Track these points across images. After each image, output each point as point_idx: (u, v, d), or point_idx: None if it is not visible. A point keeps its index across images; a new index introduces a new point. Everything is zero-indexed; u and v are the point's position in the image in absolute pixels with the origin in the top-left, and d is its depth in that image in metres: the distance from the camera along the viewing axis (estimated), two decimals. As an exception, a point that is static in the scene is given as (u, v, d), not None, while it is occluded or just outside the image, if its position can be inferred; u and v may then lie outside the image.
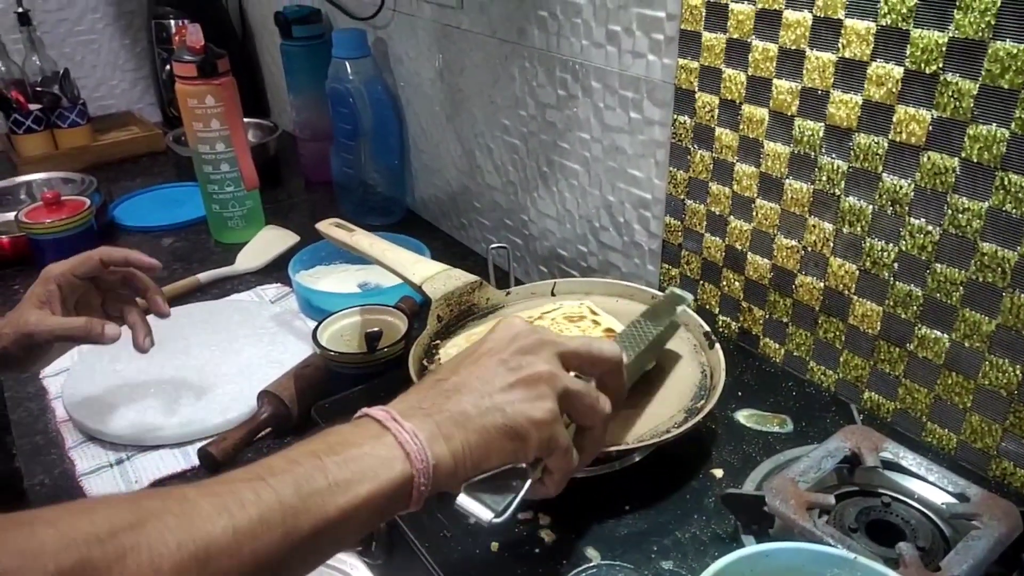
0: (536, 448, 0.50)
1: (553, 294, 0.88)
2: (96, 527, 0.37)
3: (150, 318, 0.83)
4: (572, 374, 0.54)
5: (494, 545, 0.62)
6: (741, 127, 0.78)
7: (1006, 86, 0.58)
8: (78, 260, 0.76)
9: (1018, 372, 0.63)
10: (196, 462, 0.81)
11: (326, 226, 0.92)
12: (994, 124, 0.59)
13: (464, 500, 0.49)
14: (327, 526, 0.43)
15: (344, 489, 0.43)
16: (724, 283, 0.86)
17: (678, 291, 0.78)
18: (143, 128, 1.75)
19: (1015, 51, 0.56)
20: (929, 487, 0.63)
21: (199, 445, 0.81)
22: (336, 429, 0.47)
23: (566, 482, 0.54)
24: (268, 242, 1.23)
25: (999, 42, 0.57)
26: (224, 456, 0.79)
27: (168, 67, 1.58)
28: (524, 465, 0.51)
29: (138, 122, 1.79)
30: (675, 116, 0.83)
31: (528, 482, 0.51)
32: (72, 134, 1.61)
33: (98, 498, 0.41)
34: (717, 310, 0.88)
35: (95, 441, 0.86)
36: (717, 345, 0.75)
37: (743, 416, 0.76)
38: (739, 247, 0.83)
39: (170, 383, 0.91)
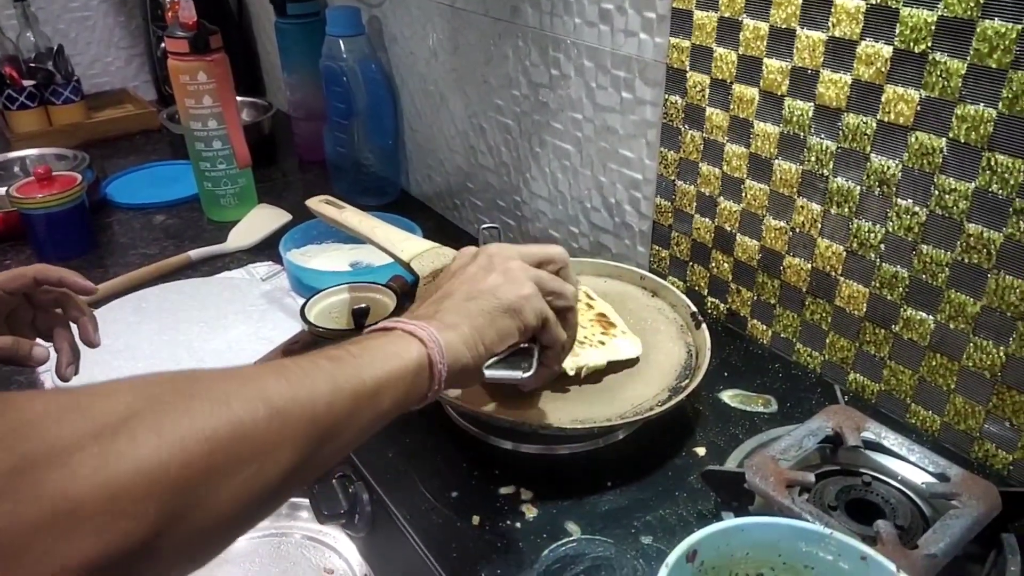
0: (532, 319, 0.56)
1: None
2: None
3: (133, 300, 0.81)
4: None
5: (475, 519, 0.62)
6: (732, 107, 0.77)
7: (994, 65, 0.57)
8: (9, 275, 0.72)
9: (1002, 354, 0.63)
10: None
11: (316, 203, 0.91)
12: (982, 104, 0.59)
13: (492, 372, 0.55)
14: (365, 391, 0.45)
15: (371, 365, 0.46)
16: (713, 264, 0.86)
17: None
18: (137, 106, 1.74)
19: (1003, 30, 0.56)
20: (910, 467, 0.63)
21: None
22: (347, 340, 0.51)
23: (561, 360, 0.61)
24: (260, 220, 1.22)
25: (987, 21, 0.57)
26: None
27: (162, 45, 1.57)
28: (525, 345, 0.58)
29: (133, 100, 1.78)
30: (666, 96, 0.83)
31: (535, 349, 0.58)
32: (66, 111, 1.60)
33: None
34: (706, 291, 0.88)
35: (83, 415, 0.86)
36: (704, 326, 0.75)
37: (728, 396, 0.76)
38: (728, 228, 0.82)
39: (159, 358, 0.92)
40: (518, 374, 0.56)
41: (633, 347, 0.74)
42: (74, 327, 0.76)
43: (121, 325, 0.80)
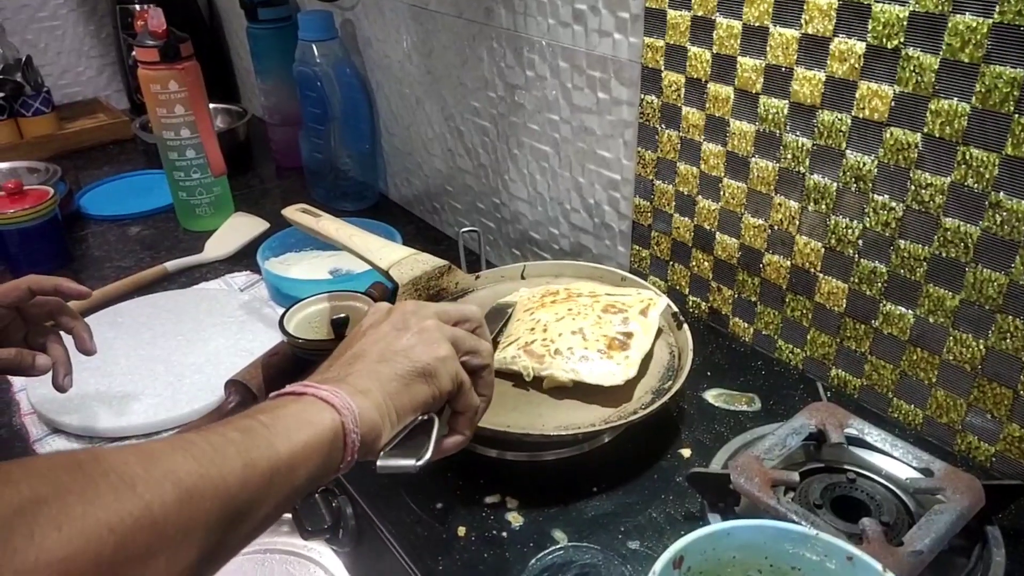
0: (448, 383, 0.53)
1: (523, 277, 0.88)
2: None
3: (109, 315, 0.80)
4: None
5: (461, 529, 0.62)
6: (707, 106, 0.77)
7: (966, 60, 0.57)
8: (4, 288, 0.73)
9: (981, 347, 0.64)
10: (163, 453, 0.80)
11: (292, 212, 0.90)
12: (955, 98, 0.59)
13: (383, 462, 0.50)
14: (280, 465, 0.43)
15: (285, 435, 0.44)
16: (693, 263, 0.86)
17: (503, 302, 0.81)
18: (110, 115, 1.71)
19: (974, 24, 0.56)
20: (894, 462, 0.63)
21: (166, 436, 0.80)
22: (255, 406, 0.48)
23: (474, 425, 0.57)
24: (237, 229, 1.21)
25: (959, 15, 0.57)
26: (191, 446, 0.78)
27: (133, 53, 1.55)
28: (426, 416, 0.53)
29: (105, 109, 1.76)
30: (642, 96, 0.83)
31: (436, 427, 0.52)
32: (37, 122, 1.57)
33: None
34: (687, 290, 0.88)
35: (61, 434, 0.85)
36: (685, 326, 0.75)
37: (712, 396, 0.76)
38: (707, 227, 0.82)
39: (136, 374, 0.90)
40: (410, 462, 0.50)
41: (614, 375, 0.68)
42: (67, 338, 0.77)
43: (98, 341, 0.79)
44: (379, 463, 0.50)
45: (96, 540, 0.33)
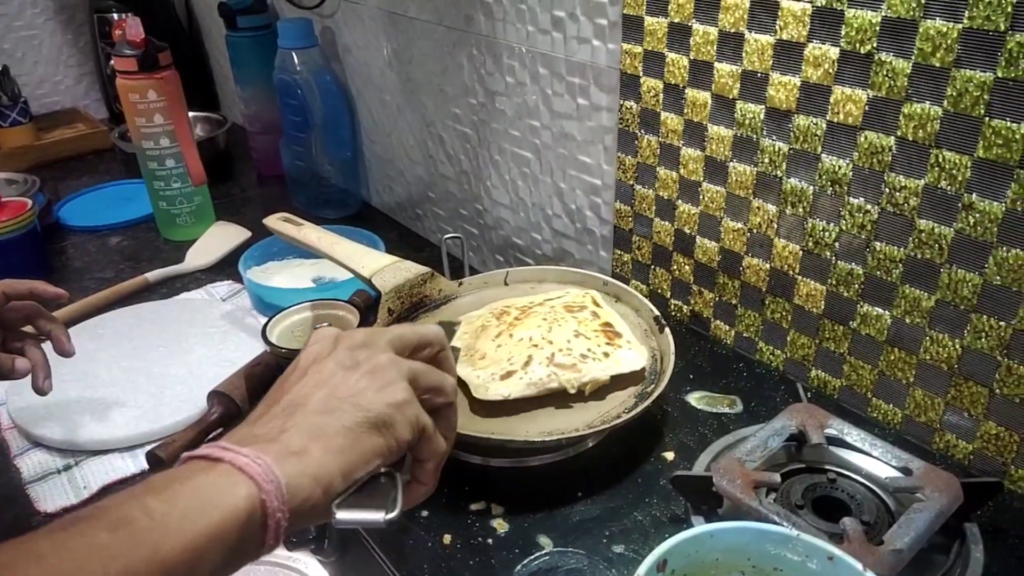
0: (407, 432, 0.45)
1: (506, 283, 0.88)
2: None
3: (89, 326, 0.80)
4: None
5: (447, 537, 0.62)
6: (685, 111, 0.78)
7: (937, 64, 0.58)
8: None
9: (957, 346, 0.65)
10: (146, 466, 0.80)
11: (274, 221, 0.90)
12: (928, 102, 0.60)
13: (344, 515, 0.42)
14: (164, 571, 0.35)
15: (178, 527, 0.36)
16: (675, 267, 0.86)
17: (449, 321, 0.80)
18: (89, 125, 1.70)
19: (944, 29, 0.57)
20: (874, 462, 0.64)
21: (148, 448, 0.79)
22: (155, 476, 0.40)
23: (439, 472, 0.50)
24: (218, 238, 1.20)
25: (929, 21, 0.58)
26: (173, 459, 0.77)
27: (112, 62, 1.54)
28: (386, 469, 0.45)
29: (84, 119, 1.74)
30: (622, 101, 0.83)
31: (399, 476, 0.45)
32: (14, 133, 1.56)
33: None
34: (669, 294, 0.89)
35: (41, 447, 0.84)
36: (667, 330, 0.76)
37: (695, 398, 0.77)
38: (688, 231, 0.83)
39: (118, 385, 0.89)
40: (380, 516, 0.43)
41: (637, 359, 0.72)
42: (47, 344, 0.76)
43: (79, 353, 0.78)
44: (337, 515, 0.42)
45: None
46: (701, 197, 0.80)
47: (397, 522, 0.44)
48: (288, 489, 0.39)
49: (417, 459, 0.49)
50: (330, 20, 1.26)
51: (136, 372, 0.92)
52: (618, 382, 0.70)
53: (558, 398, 0.69)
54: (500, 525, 0.63)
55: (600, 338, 0.73)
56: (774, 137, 0.71)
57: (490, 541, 0.61)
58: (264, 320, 0.87)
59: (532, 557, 0.59)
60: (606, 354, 0.71)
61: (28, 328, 0.77)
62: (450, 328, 0.77)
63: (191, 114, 1.23)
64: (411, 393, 0.47)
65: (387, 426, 0.44)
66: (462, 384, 0.68)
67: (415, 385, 0.47)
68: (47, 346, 0.77)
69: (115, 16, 1.60)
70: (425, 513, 0.64)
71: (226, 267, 1.16)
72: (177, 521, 0.36)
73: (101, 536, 0.34)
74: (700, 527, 0.49)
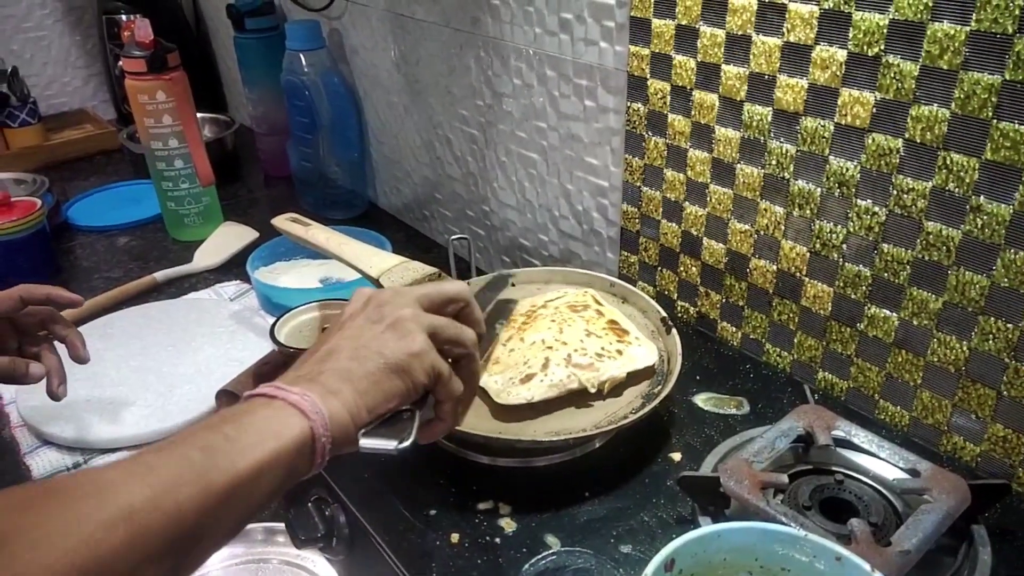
0: (423, 376, 0.52)
1: (512, 284, 0.88)
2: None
3: (98, 326, 0.80)
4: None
5: (454, 536, 0.62)
6: (693, 113, 0.78)
7: (945, 67, 0.59)
8: None
9: (965, 348, 0.65)
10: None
11: (282, 221, 0.90)
12: (935, 104, 0.60)
13: (366, 441, 0.50)
14: (240, 482, 0.42)
15: (250, 449, 0.43)
16: (681, 268, 0.87)
17: (504, 272, 0.85)
18: (97, 126, 1.71)
19: (952, 32, 0.57)
20: (881, 463, 0.64)
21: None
22: (226, 409, 0.48)
23: (458, 413, 0.57)
24: (226, 239, 1.21)
25: (937, 23, 0.58)
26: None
27: (120, 63, 1.55)
28: (410, 406, 0.53)
29: (92, 120, 1.75)
30: (629, 103, 0.84)
31: (418, 413, 0.52)
32: (23, 133, 1.57)
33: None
34: (676, 295, 0.89)
35: (51, 446, 0.85)
36: (674, 331, 0.76)
37: (701, 400, 0.77)
38: (695, 232, 0.83)
39: (127, 384, 0.90)
40: (393, 444, 0.50)
41: (649, 354, 0.73)
42: (60, 347, 0.77)
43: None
44: (361, 442, 0.50)
45: None
46: (708, 199, 0.80)
47: (408, 451, 0.50)
48: (330, 421, 0.47)
49: (437, 400, 0.55)
50: (337, 22, 1.26)
51: (145, 371, 0.92)
52: (632, 378, 0.71)
53: (577, 398, 0.69)
54: (508, 524, 0.63)
55: (610, 336, 0.74)
56: (782, 139, 0.71)
57: (498, 540, 0.62)
58: (272, 320, 0.87)
59: (539, 556, 0.59)
60: (619, 351, 0.72)
61: (43, 332, 0.78)
62: (505, 279, 0.80)
63: (199, 115, 1.24)
64: (428, 343, 0.53)
65: (405, 371, 0.51)
66: (481, 391, 0.69)
67: (435, 337, 0.53)
68: (62, 351, 0.77)
69: (124, 18, 1.61)
70: (433, 512, 0.65)
71: (234, 267, 1.16)
72: (248, 445, 0.44)
73: (194, 454, 0.42)
74: (708, 527, 0.49)
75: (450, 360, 0.55)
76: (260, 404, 0.47)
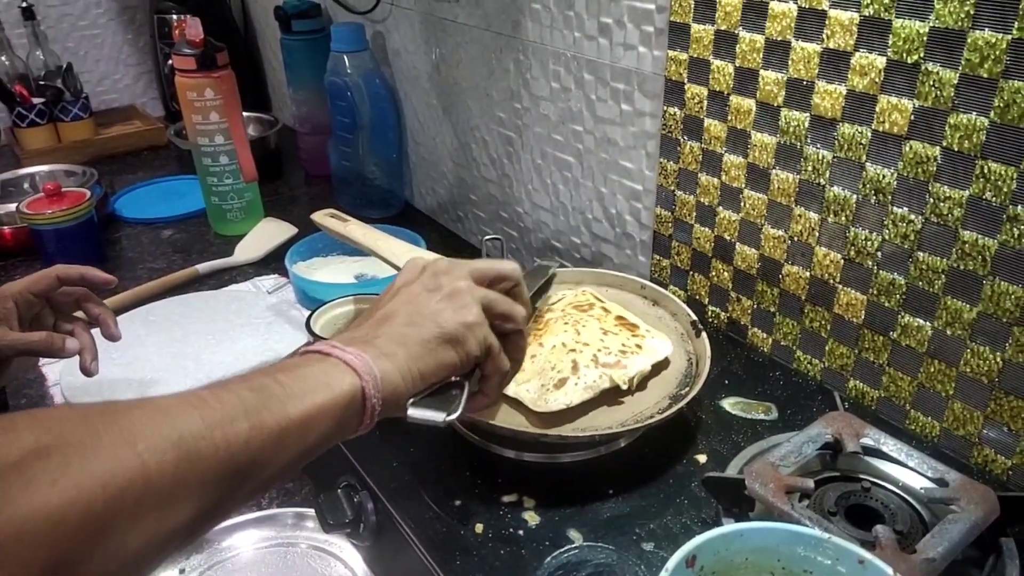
0: (476, 348, 0.53)
1: (554, 275, 0.89)
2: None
3: (141, 313, 0.83)
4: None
5: (479, 527, 0.63)
6: (729, 118, 0.78)
7: (985, 75, 0.58)
8: (35, 278, 0.76)
9: (999, 360, 0.64)
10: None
11: (321, 216, 0.92)
12: (974, 113, 0.60)
13: (414, 411, 0.51)
14: (290, 426, 0.43)
15: (300, 397, 0.44)
16: (713, 273, 0.87)
17: (545, 262, 0.86)
18: (145, 122, 1.76)
19: (993, 40, 0.57)
20: (910, 472, 0.63)
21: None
22: (286, 359, 0.49)
23: (502, 388, 0.58)
24: (267, 234, 1.24)
25: (978, 31, 0.58)
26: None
27: (170, 62, 1.60)
28: (459, 378, 0.53)
29: (141, 116, 1.81)
30: (665, 108, 0.84)
31: (467, 386, 0.53)
32: (75, 128, 1.62)
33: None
34: (707, 300, 0.89)
35: (92, 427, 0.87)
36: (704, 334, 0.76)
37: (729, 404, 0.77)
38: (728, 237, 0.83)
39: (167, 370, 0.93)
40: (441, 416, 0.51)
41: (666, 345, 0.74)
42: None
43: (130, 338, 0.82)
44: (409, 412, 0.50)
45: (87, 495, 0.34)
46: (742, 204, 0.80)
47: (453, 423, 0.51)
48: (383, 381, 0.48)
49: (484, 374, 0.56)
50: (381, 25, 1.29)
51: (184, 358, 0.95)
52: (654, 369, 0.73)
53: (607, 396, 0.70)
54: (531, 517, 0.64)
55: (624, 332, 0.75)
56: (818, 145, 0.71)
57: (521, 532, 0.62)
58: (307, 312, 0.89)
59: (562, 550, 0.60)
60: (638, 346, 0.73)
61: (79, 312, 0.81)
62: (545, 270, 0.82)
63: (244, 114, 1.27)
64: (482, 317, 0.53)
65: (459, 342, 0.52)
66: (515, 403, 0.70)
67: (488, 311, 0.54)
68: (95, 330, 0.80)
69: (175, 17, 1.65)
70: (458, 503, 0.66)
71: (273, 261, 1.19)
72: (300, 393, 0.44)
73: (246, 394, 0.42)
74: (731, 525, 0.50)
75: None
76: (315, 359, 0.48)
